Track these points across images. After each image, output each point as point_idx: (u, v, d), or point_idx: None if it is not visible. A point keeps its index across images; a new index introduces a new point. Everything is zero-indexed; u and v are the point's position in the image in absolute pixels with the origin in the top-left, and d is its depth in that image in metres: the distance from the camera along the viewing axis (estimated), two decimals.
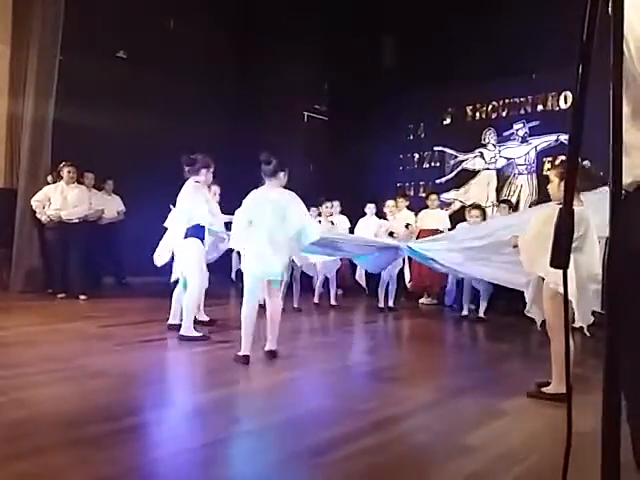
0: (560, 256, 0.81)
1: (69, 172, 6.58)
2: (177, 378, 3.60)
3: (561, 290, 2.74)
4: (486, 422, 2.64)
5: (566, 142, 0.85)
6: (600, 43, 0.77)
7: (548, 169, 7.68)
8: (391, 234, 6.68)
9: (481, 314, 6.24)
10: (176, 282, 4.62)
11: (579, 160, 0.87)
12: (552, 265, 0.83)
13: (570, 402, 1.00)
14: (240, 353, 3.63)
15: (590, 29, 0.67)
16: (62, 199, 6.50)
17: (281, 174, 3.80)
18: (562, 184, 2.85)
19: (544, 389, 3.03)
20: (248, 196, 3.86)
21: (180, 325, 4.36)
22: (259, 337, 3.83)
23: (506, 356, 4.71)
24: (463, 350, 4.93)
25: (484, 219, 6.54)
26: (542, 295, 3.05)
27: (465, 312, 6.55)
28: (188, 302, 4.34)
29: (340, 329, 5.70)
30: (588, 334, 2.98)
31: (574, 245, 2.79)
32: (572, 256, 2.70)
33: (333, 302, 7.06)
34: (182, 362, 3.84)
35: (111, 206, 7.74)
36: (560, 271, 0.84)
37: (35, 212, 6.54)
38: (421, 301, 7.60)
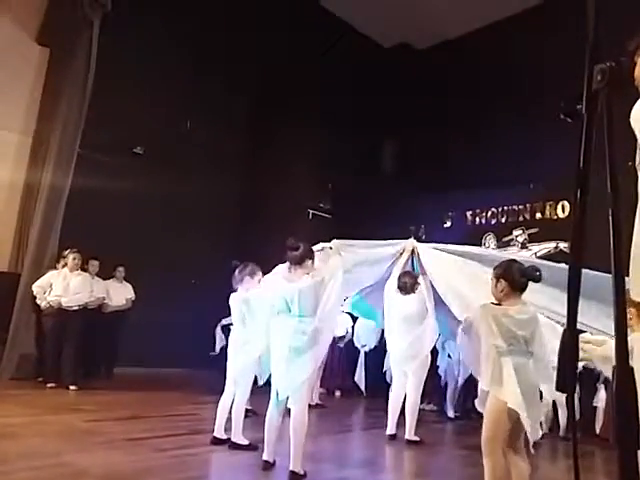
0: (565, 380, 0.79)
1: (74, 259, 6.59)
2: None
3: (506, 400, 2.57)
4: None
5: (566, 250, 0.86)
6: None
7: None
8: None
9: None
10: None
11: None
12: (558, 389, 0.80)
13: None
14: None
15: (586, 156, 0.71)
16: (64, 286, 6.47)
17: (309, 262, 3.51)
18: (498, 284, 2.80)
19: None
20: (276, 272, 3.70)
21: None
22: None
23: None
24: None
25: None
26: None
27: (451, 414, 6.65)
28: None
29: (333, 436, 5.38)
30: (533, 451, 2.74)
31: (523, 349, 2.70)
32: (518, 361, 2.57)
33: (316, 400, 6.62)
34: (166, 464, 3.63)
35: (120, 293, 7.58)
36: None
37: (35, 297, 6.50)
38: (421, 406, 7.28)
